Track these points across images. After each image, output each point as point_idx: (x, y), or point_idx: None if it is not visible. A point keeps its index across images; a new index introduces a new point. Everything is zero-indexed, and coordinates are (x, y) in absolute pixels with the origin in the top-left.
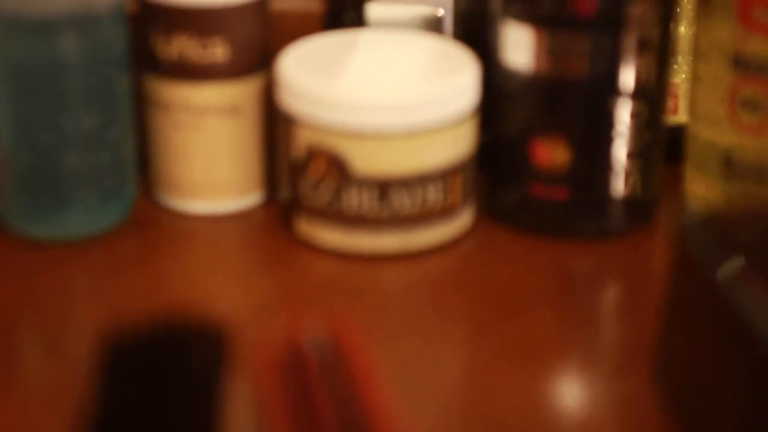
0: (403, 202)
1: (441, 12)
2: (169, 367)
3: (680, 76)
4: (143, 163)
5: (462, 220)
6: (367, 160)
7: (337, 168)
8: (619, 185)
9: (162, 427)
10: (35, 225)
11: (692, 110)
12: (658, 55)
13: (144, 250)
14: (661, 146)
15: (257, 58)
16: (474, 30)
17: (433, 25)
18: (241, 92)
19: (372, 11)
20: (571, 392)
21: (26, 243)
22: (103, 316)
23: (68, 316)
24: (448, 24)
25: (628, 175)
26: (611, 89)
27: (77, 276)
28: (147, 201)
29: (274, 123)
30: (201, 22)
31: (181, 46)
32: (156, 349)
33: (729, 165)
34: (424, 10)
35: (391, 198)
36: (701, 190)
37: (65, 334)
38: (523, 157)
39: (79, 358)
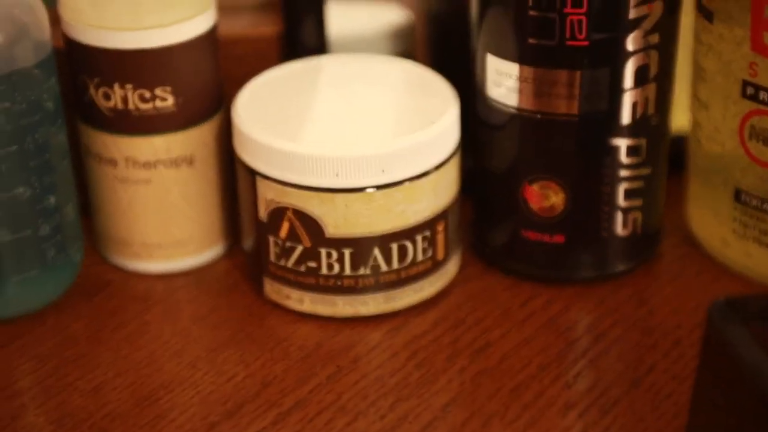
0: (381, 263)
1: (411, 18)
2: None
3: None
4: (86, 217)
5: (448, 272)
6: (339, 220)
7: (308, 230)
8: (618, 226)
9: None
10: None
11: (695, 131)
12: (658, 84)
13: (95, 327)
14: (664, 177)
15: (210, 101)
16: (446, 37)
17: (403, 35)
18: (193, 141)
19: (334, 20)
20: None
21: None
22: (53, 416)
23: (12, 417)
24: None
25: (628, 214)
26: (607, 126)
27: (20, 363)
28: (94, 259)
29: (234, 169)
30: (144, 68)
31: (123, 97)
32: None
33: (739, 196)
34: (391, 16)
35: (369, 259)
36: (707, 220)
37: None
38: (512, 200)
39: None
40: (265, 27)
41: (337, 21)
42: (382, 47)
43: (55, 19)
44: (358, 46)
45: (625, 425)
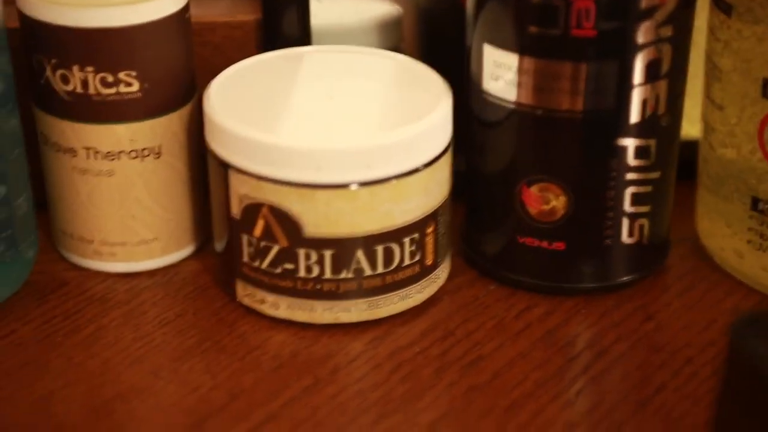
0: (365, 266)
1: (399, 10)
2: None
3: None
4: (43, 212)
5: (437, 279)
6: (320, 219)
7: (285, 229)
8: (623, 233)
9: None
10: None
11: (707, 135)
12: (670, 81)
13: (46, 331)
14: (673, 183)
15: (180, 89)
16: (437, 31)
17: (391, 28)
18: (161, 131)
19: (316, 10)
20: None
21: None
22: None
23: None
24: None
25: (634, 221)
26: (614, 124)
27: None
28: (50, 257)
29: (204, 162)
30: (107, 49)
31: (83, 80)
32: None
33: (756, 205)
34: (378, 8)
35: (351, 261)
36: (719, 231)
37: None
38: (509, 204)
39: None
40: (243, 14)
41: (320, 11)
42: (368, 40)
43: None
44: (341, 38)
45: None
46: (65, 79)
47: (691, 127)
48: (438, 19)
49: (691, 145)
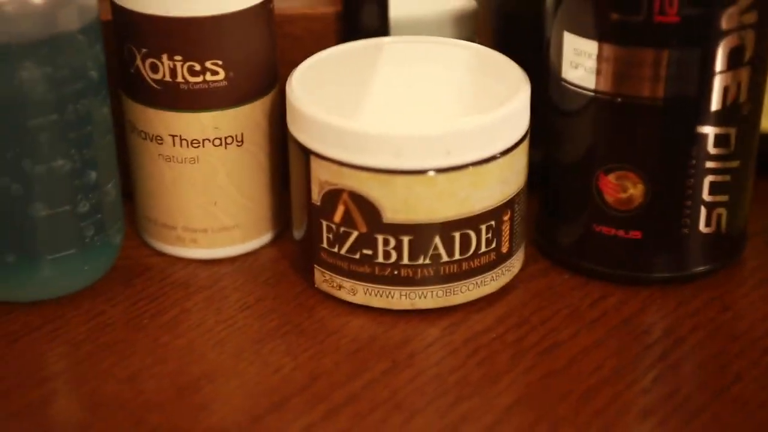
0: (442, 252)
1: (474, 4)
2: None
3: None
4: (127, 200)
5: (512, 267)
6: (399, 205)
7: (365, 214)
8: (701, 223)
9: None
10: (3, 287)
11: None
12: (752, 68)
13: (133, 313)
14: (752, 174)
15: (263, 78)
16: (512, 23)
17: (466, 21)
18: (243, 119)
19: (394, 2)
20: None
21: None
22: (86, 403)
23: (42, 402)
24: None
25: (712, 210)
26: (694, 112)
27: (52, 348)
28: (134, 242)
29: (286, 151)
30: (195, 38)
31: (172, 69)
32: None
33: None
34: (454, 1)
35: (429, 247)
36: None
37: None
38: (585, 192)
39: None
40: (323, 6)
41: (398, 3)
42: (443, 33)
43: None
44: (417, 31)
45: None
46: (155, 68)
47: (766, 120)
48: (513, 12)
49: (767, 139)
